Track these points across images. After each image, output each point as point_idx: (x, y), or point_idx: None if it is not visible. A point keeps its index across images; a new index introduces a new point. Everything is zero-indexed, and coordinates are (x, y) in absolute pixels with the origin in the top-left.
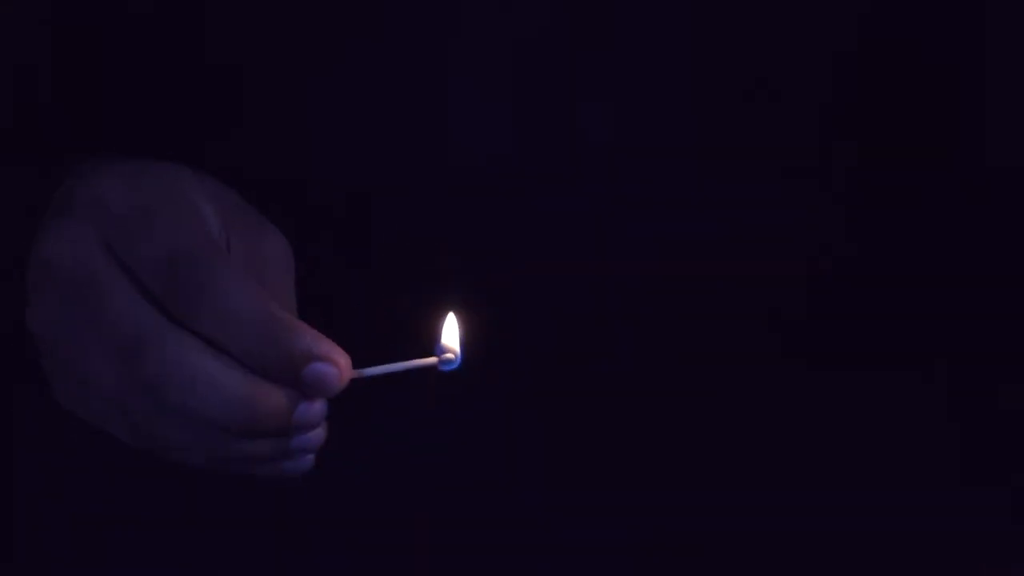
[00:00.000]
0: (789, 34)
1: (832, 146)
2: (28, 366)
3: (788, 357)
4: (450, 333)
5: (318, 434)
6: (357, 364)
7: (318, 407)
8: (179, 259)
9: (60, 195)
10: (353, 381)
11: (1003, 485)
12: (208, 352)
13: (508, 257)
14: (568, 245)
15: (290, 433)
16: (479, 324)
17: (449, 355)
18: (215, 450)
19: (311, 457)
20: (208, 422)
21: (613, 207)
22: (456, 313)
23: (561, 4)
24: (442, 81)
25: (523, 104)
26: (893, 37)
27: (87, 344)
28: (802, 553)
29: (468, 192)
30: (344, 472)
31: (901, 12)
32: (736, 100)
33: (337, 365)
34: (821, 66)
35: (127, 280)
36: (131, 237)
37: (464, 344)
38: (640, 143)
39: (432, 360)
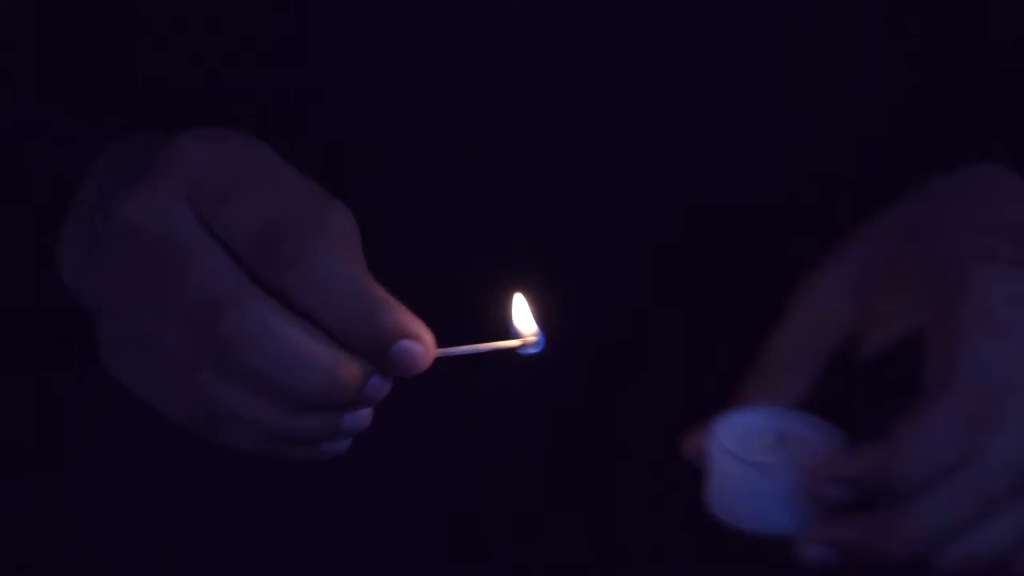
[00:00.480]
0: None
1: None
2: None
3: None
4: (524, 315)
5: (368, 415)
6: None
7: (387, 383)
8: (274, 228)
9: (134, 157)
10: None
11: None
12: (292, 317)
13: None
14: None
15: (351, 408)
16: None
17: (532, 338)
18: (271, 425)
19: (349, 441)
20: (279, 389)
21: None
22: (525, 294)
23: None
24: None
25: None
26: None
27: (162, 307)
28: None
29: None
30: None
31: None
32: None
33: (425, 345)
34: None
35: (216, 244)
36: (222, 203)
37: (543, 325)
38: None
39: (515, 343)
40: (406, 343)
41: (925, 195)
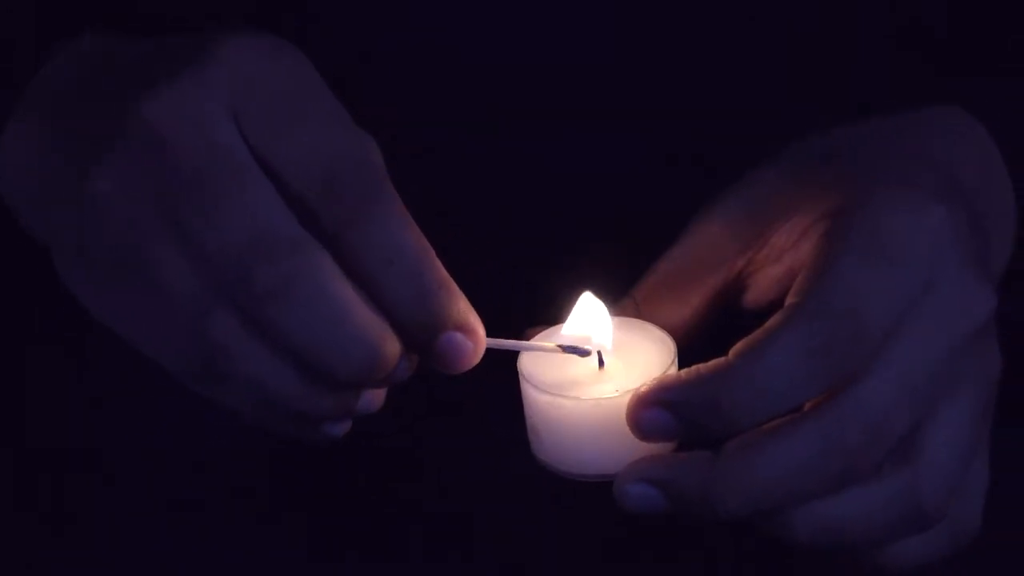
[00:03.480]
0: None
1: None
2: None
3: None
4: (585, 316)
5: (381, 398)
6: None
7: (411, 366)
8: (337, 172)
9: (158, 52)
10: None
11: None
12: (347, 279)
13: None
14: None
15: (373, 387)
16: None
17: (588, 348)
18: (284, 396)
19: (350, 423)
20: (313, 358)
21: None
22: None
23: None
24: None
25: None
26: None
27: (180, 233)
28: None
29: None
30: None
31: None
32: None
33: (476, 341)
34: None
35: (264, 174)
36: (277, 129)
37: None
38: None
39: (557, 348)
40: (456, 336)
41: (849, 124)
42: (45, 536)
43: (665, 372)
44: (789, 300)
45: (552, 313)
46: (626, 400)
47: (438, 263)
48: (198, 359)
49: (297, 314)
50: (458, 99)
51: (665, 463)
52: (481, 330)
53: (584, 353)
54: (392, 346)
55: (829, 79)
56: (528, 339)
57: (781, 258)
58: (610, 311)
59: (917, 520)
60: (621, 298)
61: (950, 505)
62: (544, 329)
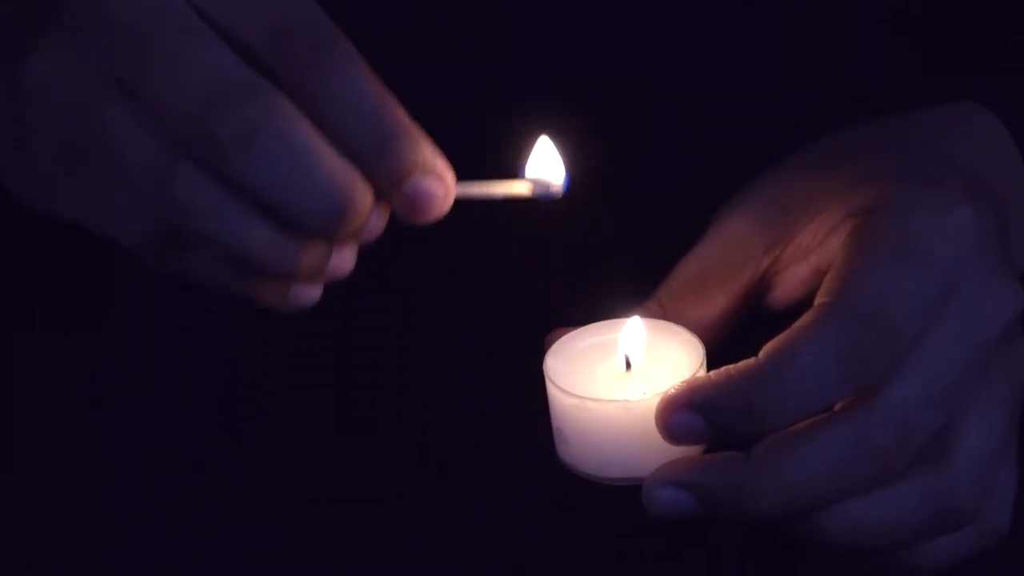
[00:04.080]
0: None
1: None
2: None
3: None
4: (544, 158)
5: (352, 259)
6: None
7: (383, 219)
8: (292, 23)
9: None
10: None
11: None
12: (312, 125)
13: None
14: None
15: (344, 242)
16: None
17: (554, 186)
18: (255, 250)
19: (320, 290)
20: (284, 207)
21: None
22: (551, 136)
23: None
24: None
25: None
26: None
27: (137, 94)
28: None
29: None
30: None
31: None
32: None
33: (445, 186)
34: None
35: (211, 28)
36: None
37: (568, 169)
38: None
39: (527, 189)
40: (426, 180)
41: (868, 121)
42: (45, 536)
43: (694, 374)
44: (819, 300)
45: (563, 307)
46: (655, 403)
47: (399, 108)
48: (165, 227)
49: (263, 162)
50: (453, 83)
51: (695, 466)
52: (449, 175)
53: (553, 196)
54: (364, 192)
55: (826, 63)
56: (551, 343)
57: (807, 256)
58: (636, 313)
59: (947, 521)
60: (646, 300)
61: (981, 506)
62: (566, 331)
